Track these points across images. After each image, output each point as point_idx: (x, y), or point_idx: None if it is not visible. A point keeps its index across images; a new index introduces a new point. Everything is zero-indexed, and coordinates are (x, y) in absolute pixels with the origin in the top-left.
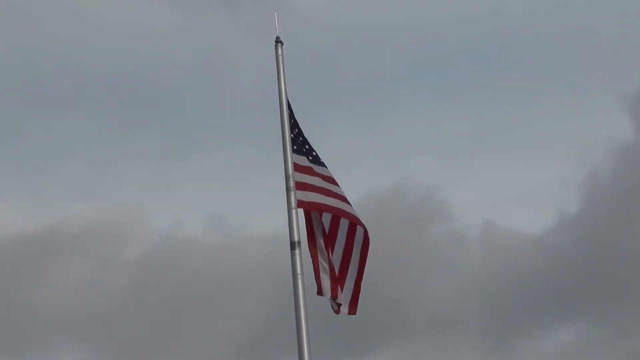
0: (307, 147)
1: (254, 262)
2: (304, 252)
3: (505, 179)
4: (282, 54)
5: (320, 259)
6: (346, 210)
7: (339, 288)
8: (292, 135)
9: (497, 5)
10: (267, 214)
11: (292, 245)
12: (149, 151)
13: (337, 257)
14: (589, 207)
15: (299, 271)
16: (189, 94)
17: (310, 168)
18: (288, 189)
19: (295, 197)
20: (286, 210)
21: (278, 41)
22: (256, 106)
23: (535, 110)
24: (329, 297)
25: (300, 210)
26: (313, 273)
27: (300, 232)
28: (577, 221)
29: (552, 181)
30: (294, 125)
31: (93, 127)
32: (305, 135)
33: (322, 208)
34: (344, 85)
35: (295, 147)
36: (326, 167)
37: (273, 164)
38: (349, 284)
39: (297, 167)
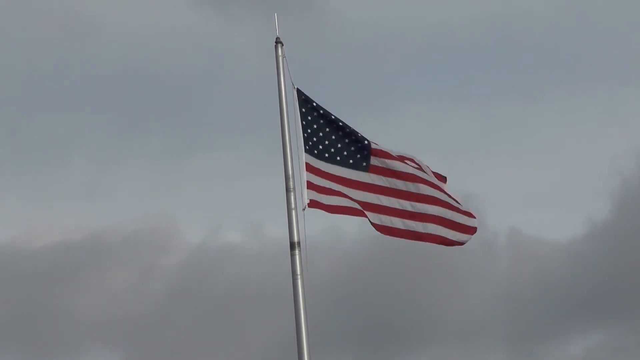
0: (325, 143)
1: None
2: (303, 253)
3: (524, 183)
4: (283, 54)
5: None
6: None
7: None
8: (305, 135)
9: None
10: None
11: (292, 245)
12: (152, 150)
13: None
14: (617, 214)
15: (298, 271)
16: (193, 93)
17: (319, 169)
18: (288, 190)
19: (295, 198)
20: (286, 211)
21: (278, 42)
22: (261, 106)
23: (547, 111)
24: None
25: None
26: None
27: (300, 233)
28: (604, 229)
29: (579, 188)
30: (308, 124)
31: (96, 125)
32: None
33: (335, 210)
34: (344, 85)
35: (307, 147)
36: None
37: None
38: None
39: (309, 167)
